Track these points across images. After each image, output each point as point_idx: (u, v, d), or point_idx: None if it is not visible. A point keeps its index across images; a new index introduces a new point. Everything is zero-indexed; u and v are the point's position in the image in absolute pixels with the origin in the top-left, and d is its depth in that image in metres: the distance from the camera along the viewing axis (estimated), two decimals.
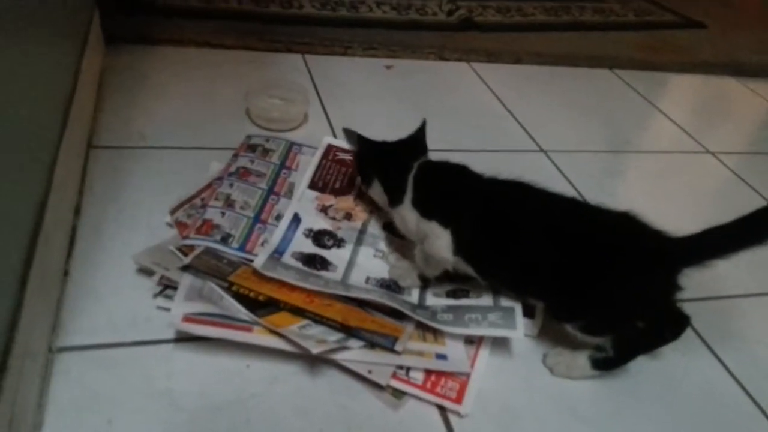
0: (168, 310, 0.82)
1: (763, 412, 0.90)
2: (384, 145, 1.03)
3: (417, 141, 1.03)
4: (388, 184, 0.97)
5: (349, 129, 1.08)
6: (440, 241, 0.87)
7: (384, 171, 0.99)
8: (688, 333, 0.98)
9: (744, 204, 1.34)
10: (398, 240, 1.01)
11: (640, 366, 0.91)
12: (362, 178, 1.04)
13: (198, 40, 1.60)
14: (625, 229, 0.84)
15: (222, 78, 1.47)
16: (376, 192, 1.01)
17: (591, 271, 0.82)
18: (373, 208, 1.07)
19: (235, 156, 1.14)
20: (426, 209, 0.89)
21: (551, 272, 0.84)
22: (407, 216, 0.92)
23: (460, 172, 0.93)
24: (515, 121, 1.53)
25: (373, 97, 1.51)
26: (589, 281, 0.82)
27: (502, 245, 0.86)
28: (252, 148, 1.17)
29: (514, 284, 0.90)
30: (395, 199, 0.94)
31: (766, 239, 0.78)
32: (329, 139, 1.19)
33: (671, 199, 1.35)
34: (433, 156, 1.01)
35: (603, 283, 0.82)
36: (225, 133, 1.25)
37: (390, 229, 1.03)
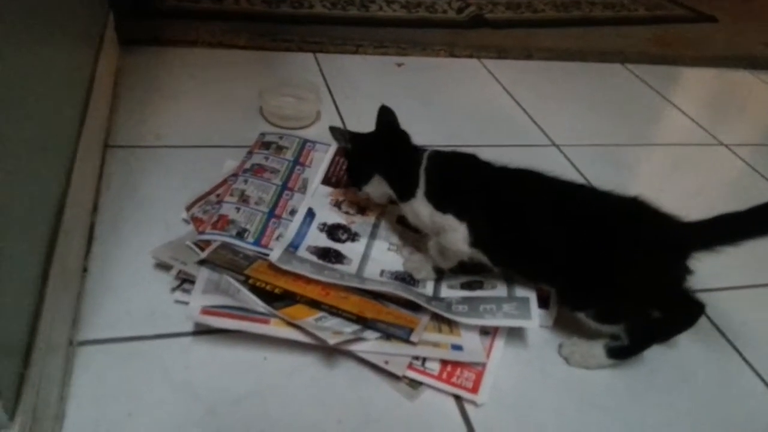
0: (186, 303, 0.83)
1: None
2: (377, 137, 1.01)
3: (396, 128, 1.01)
4: (398, 178, 0.95)
5: (336, 127, 1.05)
6: (457, 234, 0.87)
7: (391, 165, 0.96)
8: (704, 323, 0.98)
9: (759, 195, 1.34)
10: (412, 233, 1.02)
11: (656, 355, 0.91)
12: (357, 176, 1.01)
13: (211, 40, 1.61)
14: (634, 214, 0.84)
15: (235, 78, 1.48)
16: (375, 188, 0.99)
17: (601, 256, 0.82)
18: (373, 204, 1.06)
19: (250, 153, 1.16)
20: (441, 202, 0.89)
21: (563, 258, 0.84)
22: (421, 210, 0.91)
23: (471, 162, 0.93)
24: (527, 116, 1.53)
25: (384, 94, 1.52)
26: (600, 266, 0.82)
27: (517, 234, 0.86)
28: (266, 145, 1.18)
29: (528, 271, 0.90)
30: (406, 194, 0.93)
31: None
32: None
33: (685, 192, 1.34)
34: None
35: (613, 268, 0.82)
36: (239, 131, 1.26)
37: (403, 222, 1.04)
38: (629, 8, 2.32)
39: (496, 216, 0.87)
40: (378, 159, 0.98)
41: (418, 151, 0.96)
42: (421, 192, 0.91)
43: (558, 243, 0.84)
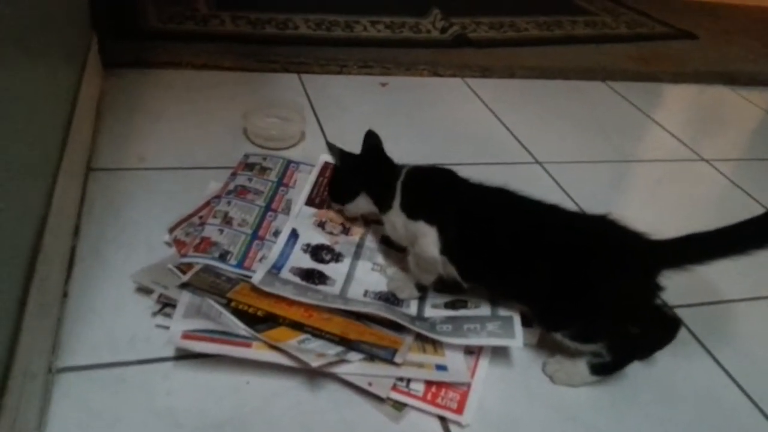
0: (167, 328, 0.83)
1: (762, 412, 0.90)
2: (363, 156, 1.04)
3: (381, 152, 1.04)
4: (378, 192, 0.98)
5: (333, 144, 1.08)
6: (427, 240, 0.88)
7: (373, 180, 0.99)
8: (686, 337, 0.99)
9: (741, 209, 1.36)
10: (395, 253, 1.02)
11: (641, 371, 0.91)
12: (344, 193, 1.03)
13: (196, 62, 1.62)
14: (603, 233, 0.85)
15: (219, 99, 1.49)
16: (360, 205, 1.01)
17: (570, 276, 0.83)
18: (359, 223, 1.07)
19: (233, 175, 1.15)
20: (413, 210, 0.91)
21: (532, 277, 0.85)
22: (396, 220, 0.93)
23: (446, 175, 0.95)
24: (510, 134, 1.54)
25: (369, 113, 1.53)
26: (569, 286, 0.83)
27: (484, 247, 0.87)
28: (250, 166, 1.18)
29: (498, 289, 0.91)
30: (384, 206, 0.96)
31: (748, 250, 0.78)
32: (326, 157, 1.20)
33: (668, 207, 1.35)
34: None
35: (582, 287, 0.82)
36: (223, 152, 1.26)
37: (387, 242, 1.04)
38: (610, 26, 2.36)
39: (466, 227, 0.88)
40: (365, 178, 1.01)
41: (397, 166, 0.99)
42: (396, 203, 0.93)
43: (526, 262, 0.85)
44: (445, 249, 0.88)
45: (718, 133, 1.78)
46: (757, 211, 1.36)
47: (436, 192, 0.93)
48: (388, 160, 1.02)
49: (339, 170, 1.06)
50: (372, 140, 1.05)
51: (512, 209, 0.89)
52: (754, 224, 0.80)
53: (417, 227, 0.89)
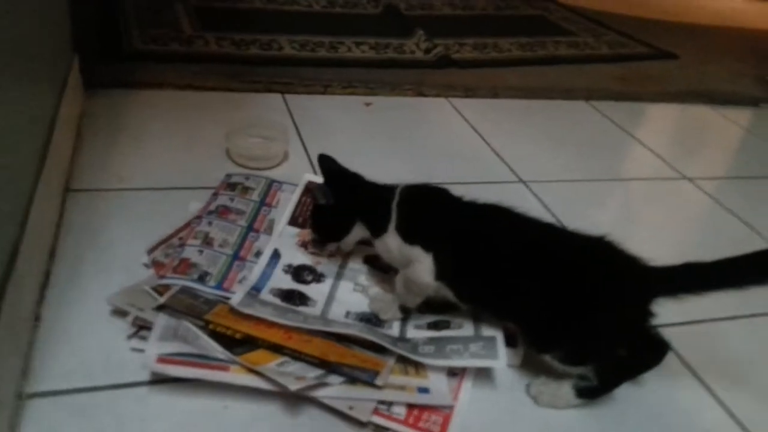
0: (142, 351, 0.80)
1: None
2: (347, 184, 0.99)
3: (346, 171, 1.00)
4: (374, 217, 0.94)
5: (320, 185, 0.99)
6: (423, 266, 0.87)
7: (367, 206, 0.96)
8: (673, 359, 0.98)
9: (723, 227, 1.37)
10: (379, 273, 1.01)
11: (626, 394, 0.90)
12: (338, 229, 0.98)
13: (179, 83, 1.61)
14: (600, 256, 0.84)
15: (202, 119, 1.48)
16: (355, 236, 0.97)
17: (565, 297, 0.82)
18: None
19: (215, 195, 1.14)
20: (409, 234, 0.89)
21: (527, 297, 0.84)
22: (391, 242, 0.91)
23: (441, 196, 0.94)
24: (494, 154, 1.55)
25: (352, 133, 1.53)
26: (564, 307, 0.82)
27: (481, 270, 0.86)
28: (232, 186, 1.17)
29: (494, 309, 0.90)
30: (379, 229, 0.93)
31: (746, 285, 0.77)
32: (309, 176, 1.19)
33: (651, 225, 1.35)
34: None
35: (578, 309, 0.81)
36: (205, 172, 1.25)
37: (370, 262, 1.03)
38: (592, 46, 2.39)
39: (462, 250, 0.87)
40: (358, 206, 0.97)
41: (388, 187, 0.96)
42: (392, 226, 0.91)
43: (523, 282, 0.84)
44: (441, 275, 0.86)
45: (700, 151, 1.80)
46: (741, 229, 1.37)
47: (432, 215, 0.91)
48: (373, 183, 0.99)
49: (326, 207, 0.97)
50: (329, 164, 1.01)
51: (509, 229, 0.88)
52: (753, 259, 0.79)
53: (412, 252, 0.88)
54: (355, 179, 1.00)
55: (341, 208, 0.97)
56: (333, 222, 0.99)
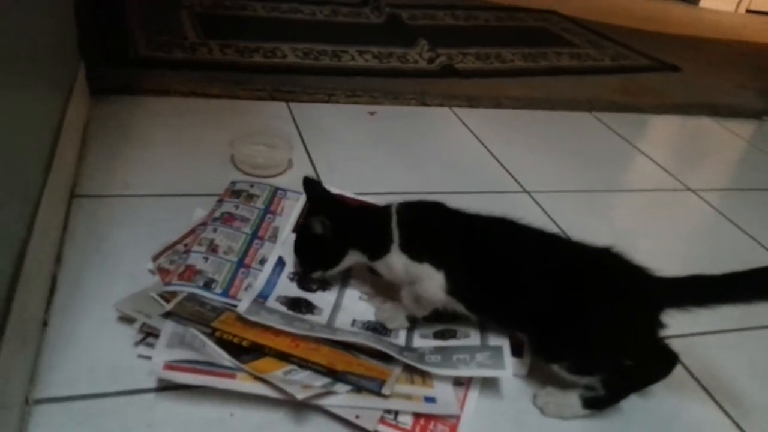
0: (149, 358, 0.80)
1: None
2: (340, 210, 0.97)
3: (331, 196, 0.99)
4: (371, 242, 0.92)
5: (319, 218, 0.93)
6: (433, 283, 0.86)
7: (364, 232, 0.93)
8: (679, 370, 0.97)
9: (726, 238, 1.37)
10: (384, 281, 1.00)
11: (632, 404, 0.90)
12: (328, 259, 0.95)
13: (184, 90, 1.61)
14: (608, 266, 0.85)
15: (207, 126, 1.48)
16: (346, 264, 0.95)
17: (575, 307, 0.82)
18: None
19: (220, 202, 1.14)
20: (417, 253, 0.88)
21: (537, 307, 0.83)
22: (395, 263, 0.89)
23: (441, 210, 0.93)
24: (498, 163, 1.55)
25: (356, 142, 1.53)
26: (574, 318, 0.82)
27: (492, 282, 0.86)
28: (236, 193, 1.17)
29: (503, 320, 0.90)
30: (379, 252, 0.90)
31: (755, 300, 0.78)
32: None
33: (655, 237, 1.36)
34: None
35: (587, 319, 0.81)
36: (209, 179, 1.25)
37: (374, 270, 1.03)
38: (595, 58, 2.40)
39: (473, 264, 0.87)
40: (354, 233, 0.94)
41: (382, 208, 0.94)
42: (395, 246, 0.89)
43: (531, 292, 0.84)
44: (453, 290, 0.86)
45: (703, 163, 1.80)
46: (744, 241, 1.38)
47: (439, 232, 0.90)
48: (361, 205, 0.96)
49: (318, 237, 0.93)
50: (315, 188, 0.99)
51: (517, 240, 0.88)
52: (763, 274, 0.79)
53: (421, 270, 0.87)
54: (342, 205, 0.97)
55: (333, 236, 0.93)
56: (324, 251, 0.95)
